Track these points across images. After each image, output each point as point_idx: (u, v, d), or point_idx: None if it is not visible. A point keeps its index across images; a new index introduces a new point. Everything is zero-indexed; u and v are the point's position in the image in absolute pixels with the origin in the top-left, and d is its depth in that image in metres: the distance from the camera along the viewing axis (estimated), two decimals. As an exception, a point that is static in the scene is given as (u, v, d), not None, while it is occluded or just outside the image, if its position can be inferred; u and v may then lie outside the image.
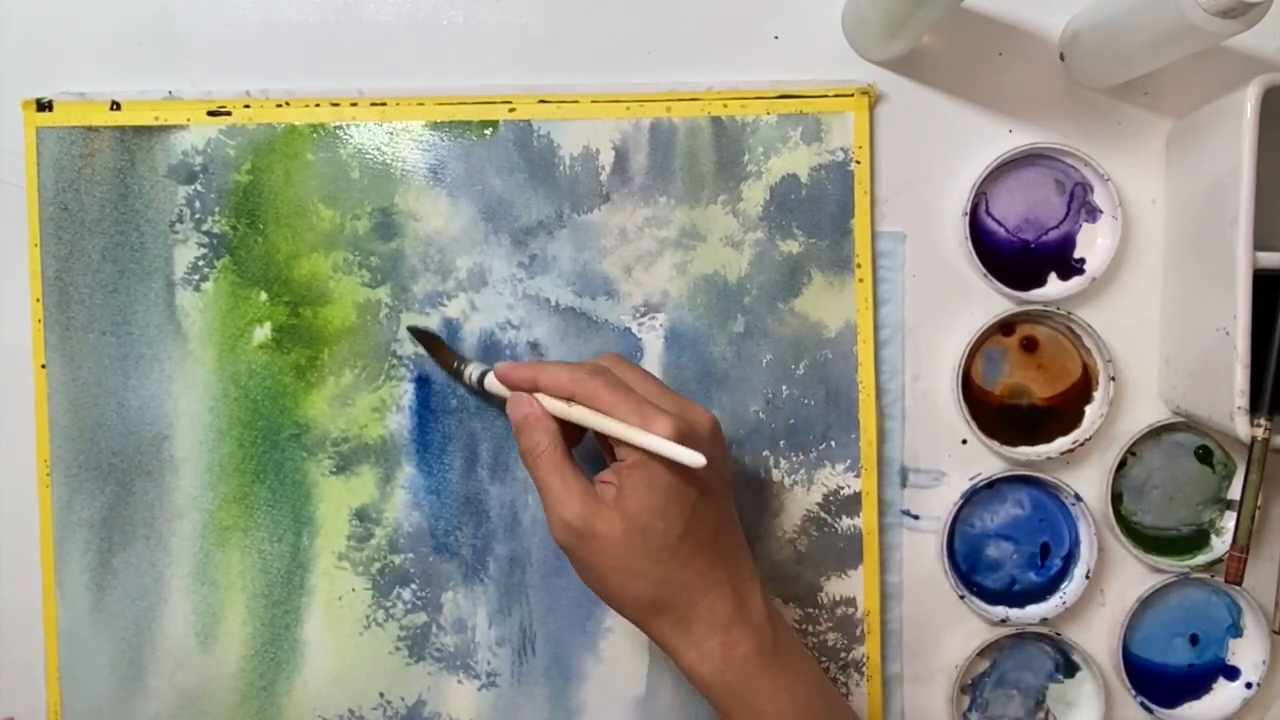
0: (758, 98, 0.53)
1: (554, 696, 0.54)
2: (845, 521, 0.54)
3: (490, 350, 0.53)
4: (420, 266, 0.53)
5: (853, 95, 0.53)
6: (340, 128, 0.53)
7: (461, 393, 0.53)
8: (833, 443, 0.54)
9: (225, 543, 0.53)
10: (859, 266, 0.54)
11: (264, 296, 0.53)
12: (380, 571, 0.53)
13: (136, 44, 0.53)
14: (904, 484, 0.56)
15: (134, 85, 0.53)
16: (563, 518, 0.42)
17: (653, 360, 0.54)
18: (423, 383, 0.53)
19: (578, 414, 0.44)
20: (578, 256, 0.53)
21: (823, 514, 0.54)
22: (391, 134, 0.53)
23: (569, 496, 0.42)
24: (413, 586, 0.54)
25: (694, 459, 0.40)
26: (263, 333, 0.53)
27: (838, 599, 0.54)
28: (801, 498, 0.54)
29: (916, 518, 0.56)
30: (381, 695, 0.54)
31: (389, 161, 0.53)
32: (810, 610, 0.54)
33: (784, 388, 0.54)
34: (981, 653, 0.55)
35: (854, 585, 0.54)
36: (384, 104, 0.53)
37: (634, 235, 0.53)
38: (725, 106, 0.53)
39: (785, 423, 0.54)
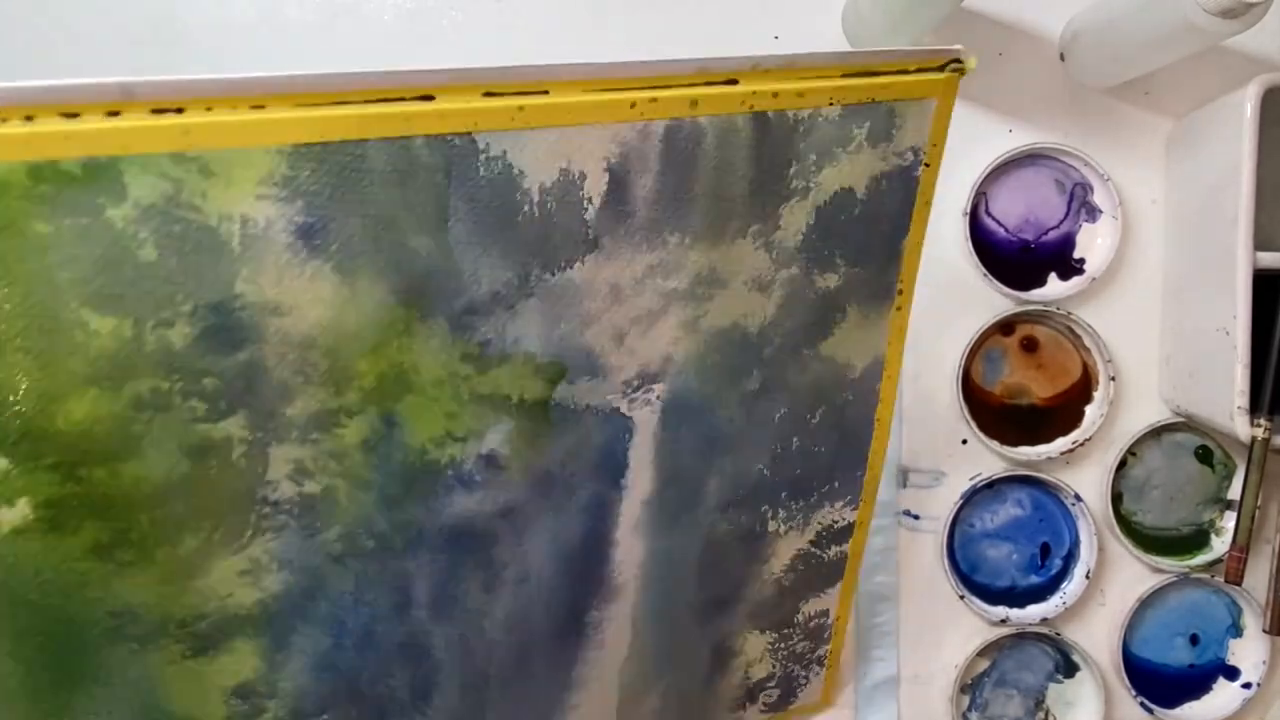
0: (819, 76, 0.36)
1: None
2: (834, 550, 0.50)
3: (421, 482, 0.38)
4: (294, 379, 0.34)
5: (941, 72, 0.37)
6: (106, 166, 0.28)
7: (381, 529, 0.39)
8: (836, 483, 0.47)
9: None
10: (900, 293, 0.43)
11: (4, 463, 0.32)
12: None
13: None
14: (904, 484, 0.56)
15: None
16: None
17: (645, 439, 0.41)
18: (312, 529, 0.37)
19: None
20: (550, 332, 0.37)
21: (813, 549, 0.49)
22: (211, 176, 0.30)
23: None
24: None
25: None
26: (16, 513, 0.33)
27: (813, 614, 0.52)
28: (795, 540, 0.48)
29: (916, 518, 0.56)
30: None
31: (213, 225, 0.30)
32: (785, 630, 0.52)
33: (795, 440, 0.45)
34: (981, 653, 0.55)
35: (830, 600, 0.51)
36: (179, 109, 0.28)
37: (631, 291, 0.37)
38: (775, 97, 0.35)
39: (790, 474, 0.46)
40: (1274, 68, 0.55)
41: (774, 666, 0.52)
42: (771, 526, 0.47)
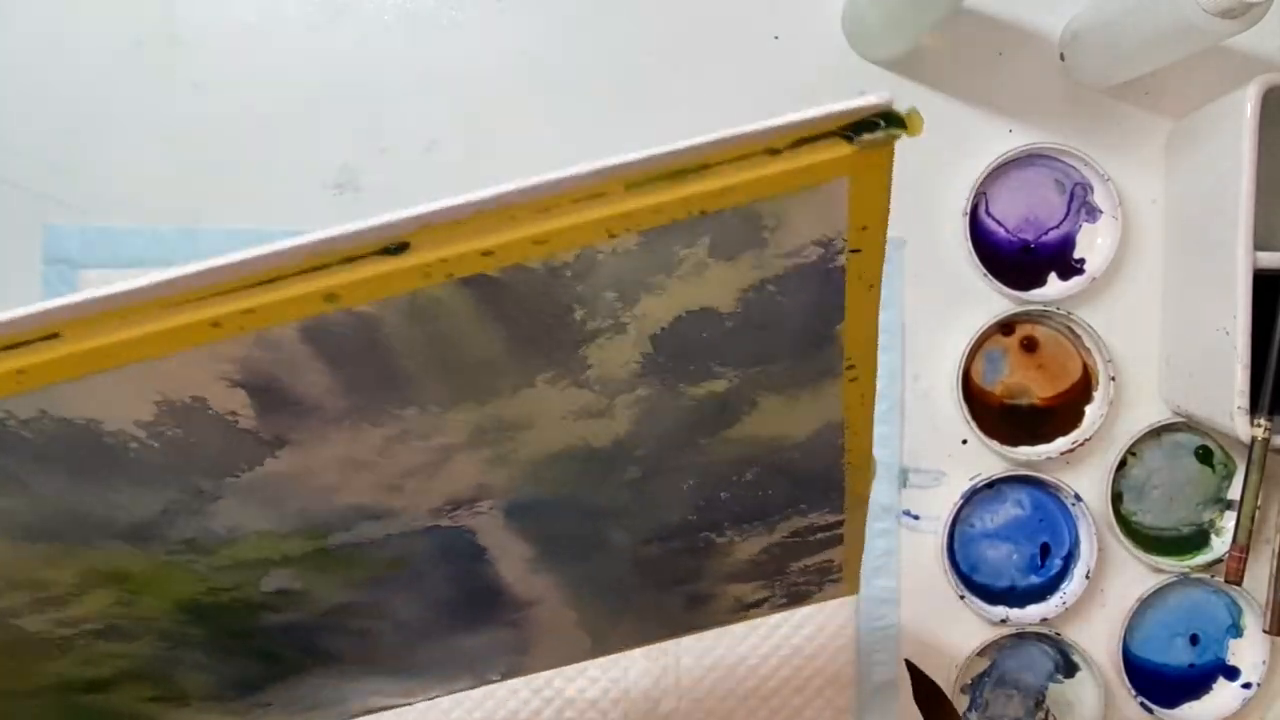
0: (555, 210, 0.21)
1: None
2: (819, 535, 0.42)
3: (216, 613, 0.34)
4: None
5: (849, 142, 0.22)
6: None
7: (203, 637, 0.35)
8: (803, 505, 0.39)
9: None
10: (851, 368, 0.31)
11: None
12: None
13: None
14: (904, 484, 0.56)
15: None
16: None
17: (493, 534, 0.34)
18: (130, 639, 0.34)
19: None
20: (278, 511, 0.29)
21: (792, 539, 0.42)
22: None
23: None
24: None
25: None
26: None
27: (810, 566, 0.45)
28: (759, 541, 0.41)
29: (916, 518, 0.56)
30: None
31: None
32: (777, 579, 0.46)
33: (722, 494, 0.36)
34: (981, 652, 0.55)
35: (833, 553, 0.44)
36: None
37: (378, 458, 0.28)
38: (487, 256, 0.22)
39: (729, 513, 0.37)
40: (1274, 68, 0.55)
41: (771, 593, 0.46)
42: (721, 540, 0.39)
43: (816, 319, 0.28)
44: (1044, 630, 0.55)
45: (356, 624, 0.38)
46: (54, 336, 0.21)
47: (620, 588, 0.43)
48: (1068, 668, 0.56)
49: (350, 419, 0.26)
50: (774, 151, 0.22)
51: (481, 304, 0.23)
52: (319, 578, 0.33)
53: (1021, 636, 0.56)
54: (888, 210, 0.25)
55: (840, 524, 0.41)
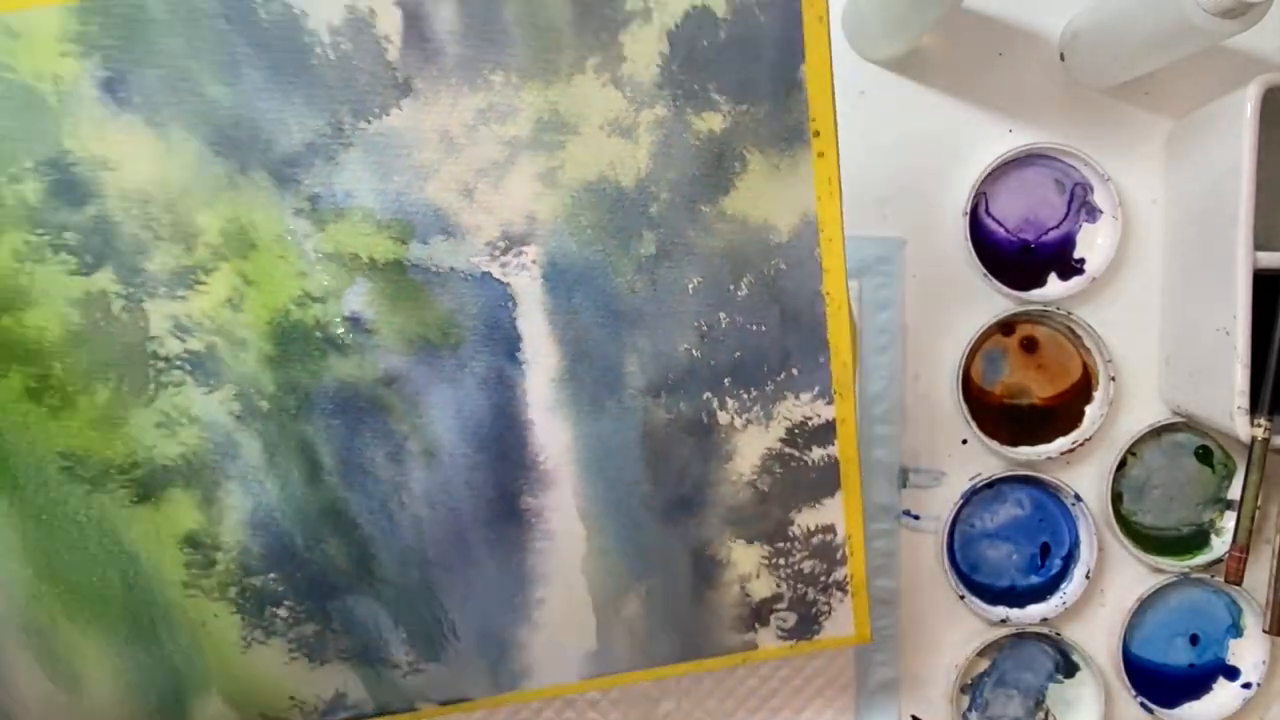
0: None
1: (493, 666, 0.48)
2: (817, 452, 0.45)
3: (294, 343, 0.40)
4: (144, 234, 0.37)
5: None
6: None
7: (270, 391, 0.41)
8: (794, 370, 0.43)
9: (38, 593, 0.43)
10: (817, 135, 0.38)
11: None
12: (240, 595, 0.44)
13: None
14: (904, 484, 0.56)
15: None
16: None
17: (532, 308, 0.40)
18: (207, 385, 0.41)
19: None
20: (383, 185, 0.37)
21: (787, 449, 0.45)
22: (16, 38, 0.34)
23: None
24: (287, 604, 0.45)
25: None
26: None
27: (813, 529, 0.47)
28: (758, 436, 0.44)
29: (916, 518, 0.56)
30: (292, 699, 0.47)
31: (30, 84, 0.35)
32: (780, 544, 0.48)
33: (722, 315, 0.41)
34: (981, 653, 0.55)
35: (831, 513, 0.46)
36: None
37: (466, 140, 0.36)
38: None
39: (729, 356, 0.42)
40: (1274, 68, 0.55)
41: (778, 585, 0.48)
42: (722, 418, 0.43)
43: (785, 53, 0.36)
44: (1044, 630, 0.55)
45: (390, 449, 0.42)
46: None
47: (629, 513, 0.45)
48: (1068, 668, 0.56)
49: (458, 74, 0.35)
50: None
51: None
52: (388, 313, 0.39)
53: (1021, 636, 0.56)
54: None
55: (832, 429, 0.44)
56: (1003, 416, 0.55)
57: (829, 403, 0.44)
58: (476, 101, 0.36)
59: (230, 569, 0.43)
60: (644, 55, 0.36)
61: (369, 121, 0.36)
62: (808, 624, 0.48)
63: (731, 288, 0.40)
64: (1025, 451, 0.55)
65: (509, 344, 0.41)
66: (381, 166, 0.37)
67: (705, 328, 0.41)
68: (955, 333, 0.55)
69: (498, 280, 0.39)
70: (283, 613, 0.45)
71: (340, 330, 0.39)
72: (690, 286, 0.40)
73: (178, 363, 0.40)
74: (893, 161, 0.55)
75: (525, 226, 0.38)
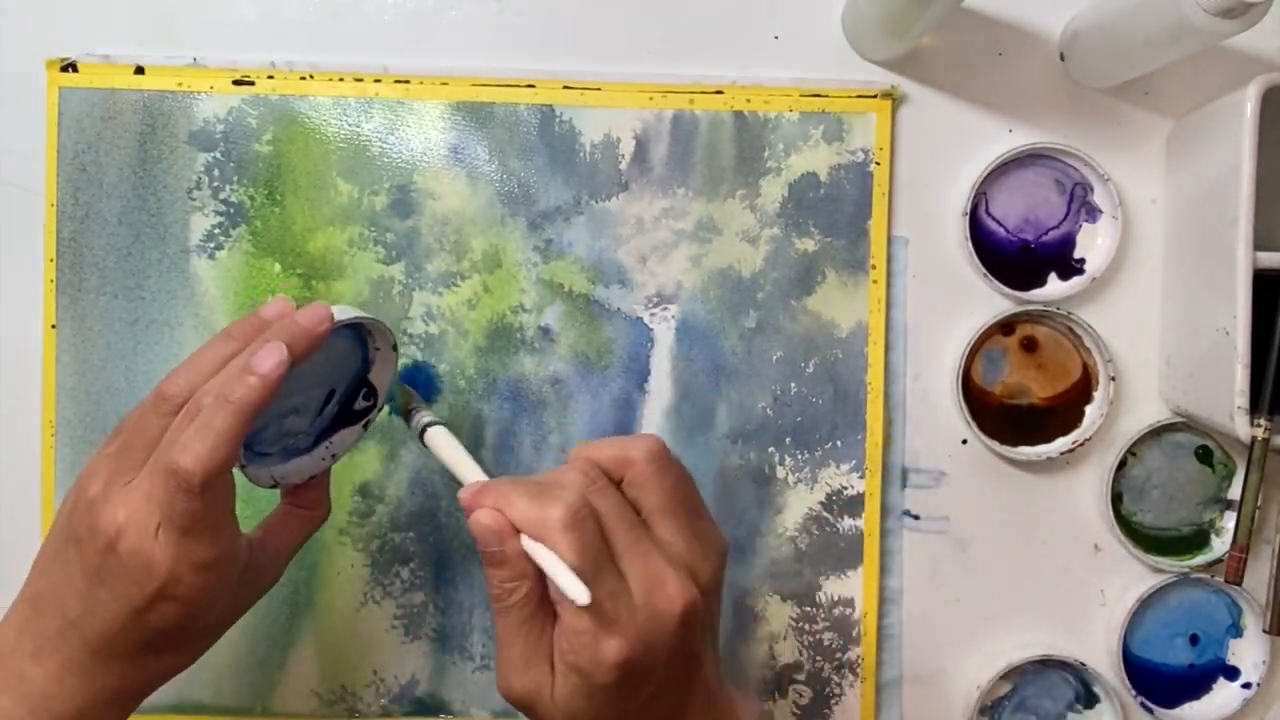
0: (782, 95, 0.54)
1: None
2: (847, 522, 0.55)
3: (500, 338, 0.54)
4: (435, 245, 0.53)
5: (875, 97, 0.54)
6: (363, 103, 0.53)
7: (470, 373, 0.54)
8: (838, 442, 0.54)
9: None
10: (874, 268, 0.54)
11: (278, 268, 0.53)
12: (380, 549, 0.54)
13: (163, 9, 0.54)
14: (904, 484, 0.56)
15: (158, 50, 0.54)
16: (510, 685, 0.38)
17: (663, 351, 0.54)
18: (429, 363, 0.54)
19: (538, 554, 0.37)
20: (594, 244, 0.54)
21: (825, 513, 0.54)
22: (413, 112, 0.53)
23: (524, 667, 0.37)
24: (412, 565, 0.54)
25: (580, 594, 0.35)
26: None
27: (836, 599, 0.55)
28: (805, 496, 0.54)
29: (917, 518, 0.56)
30: (375, 673, 0.54)
31: (410, 139, 0.54)
32: (808, 609, 0.55)
33: (793, 385, 0.54)
34: (1004, 676, 0.54)
35: (853, 587, 0.55)
36: (407, 82, 0.54)
37: (651, 225, 0.54)
38: (748, 101, 0.54)
39: (793, 420, 0.54)
40: (1274, 68, 0.55)
41: (800, 652, 0.55)
42: (780, 472, 0.55)
43: (858, 211, 0.55)
44: (1069, 659, 0.54)
45: (536, 438, 0.55)
46: (598, 89, 0.55)
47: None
48: (1088, 698, 0.56)
49: (658, 184, 0.54)
50: (859, 97, 0.55)
51: (735, 128, 0.54)
52: (568, 329, 0.54)
53: (1045, 664, 0.55)
54: (889, 142, 0.55)
55: (861, 502, 0.55)
56: (1003, 416, 0.55)
57: (861, 477, 0.55)
58: (664, 203, 0.54)
59: (381, 522, 0.54)
60: (772, 195, 0.54)
61: (597, 202, 0.54)
62: (819, 706, 0.55)
63: (802, 364, 0.54)
64: (1025, 451, 0.55)
65: (641, 375, 0.54)
66: (596, 231, 0.54)
67: (779, 392, 0.54)
68: (955, 333, 0.55)
69: (646, 325, 0.54)
70: (404, 574, 0.54)
71: (532, 335, 0.54)
72: (774, 358, 0.54)
73: (417, 340, 0.54)
74: (893, 162, 0.55)
75: (673, 290, 0.54)
